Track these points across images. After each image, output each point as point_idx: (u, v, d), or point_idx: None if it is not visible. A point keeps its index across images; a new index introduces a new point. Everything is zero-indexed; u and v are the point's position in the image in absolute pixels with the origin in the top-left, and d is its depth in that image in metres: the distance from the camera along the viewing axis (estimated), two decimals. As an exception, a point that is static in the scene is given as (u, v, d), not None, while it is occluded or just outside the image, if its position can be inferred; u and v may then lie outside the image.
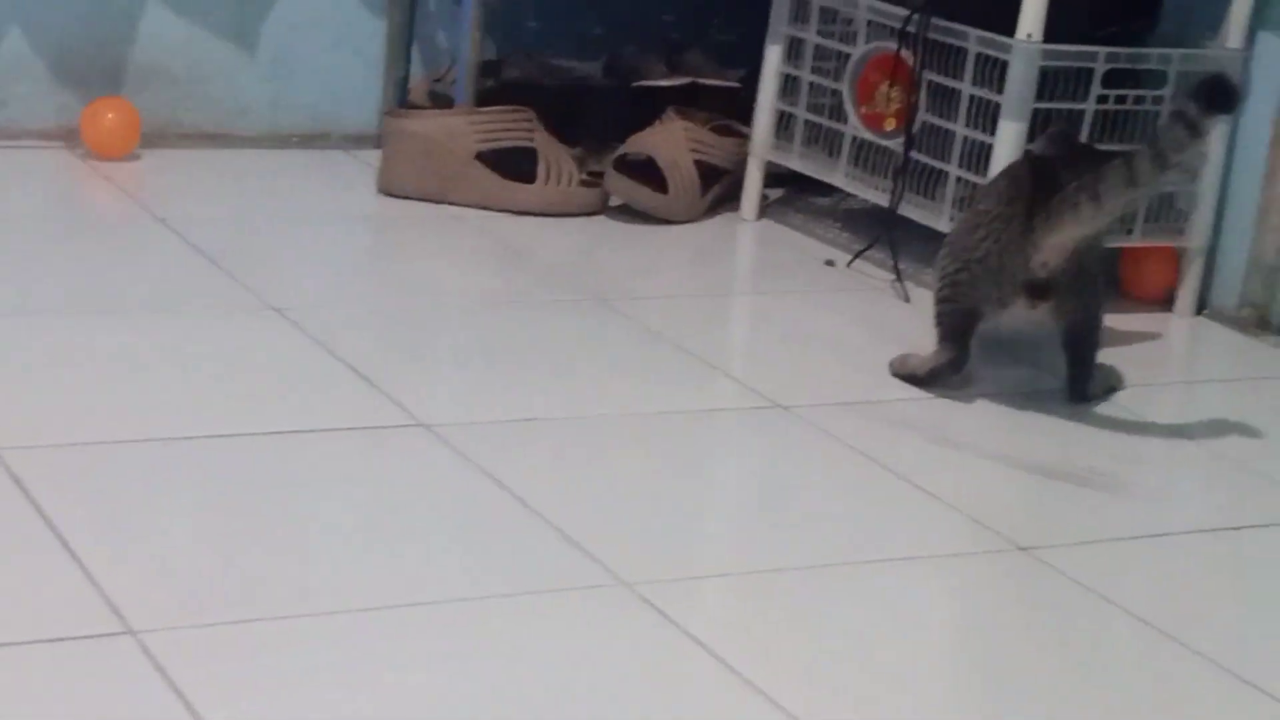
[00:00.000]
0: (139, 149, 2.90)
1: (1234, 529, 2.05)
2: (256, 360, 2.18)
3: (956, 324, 2.34)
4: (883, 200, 2.73)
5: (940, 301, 2.35)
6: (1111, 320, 2.52)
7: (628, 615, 1.68)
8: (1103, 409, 2.33)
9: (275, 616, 1.60)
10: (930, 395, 2.31)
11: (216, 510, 1.79)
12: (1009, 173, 2.39)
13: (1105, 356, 2.43)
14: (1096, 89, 2.60)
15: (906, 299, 2.64)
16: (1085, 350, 2.34)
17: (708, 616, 1.71)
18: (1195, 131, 2.11)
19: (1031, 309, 2.29)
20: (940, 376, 2.33)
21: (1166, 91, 2.66)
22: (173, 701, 1.45)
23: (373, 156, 2.97)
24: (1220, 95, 2.10)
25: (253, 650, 1.55)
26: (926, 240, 2.75)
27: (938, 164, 2.66)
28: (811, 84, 2.88)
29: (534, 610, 1.67)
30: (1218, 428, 2.33)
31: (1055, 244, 2.23)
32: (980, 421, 2.32)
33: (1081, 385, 2.35)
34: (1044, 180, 2.29)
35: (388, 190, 2.87)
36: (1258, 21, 2.69)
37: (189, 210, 2.68)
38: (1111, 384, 2.41)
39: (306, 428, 2.00)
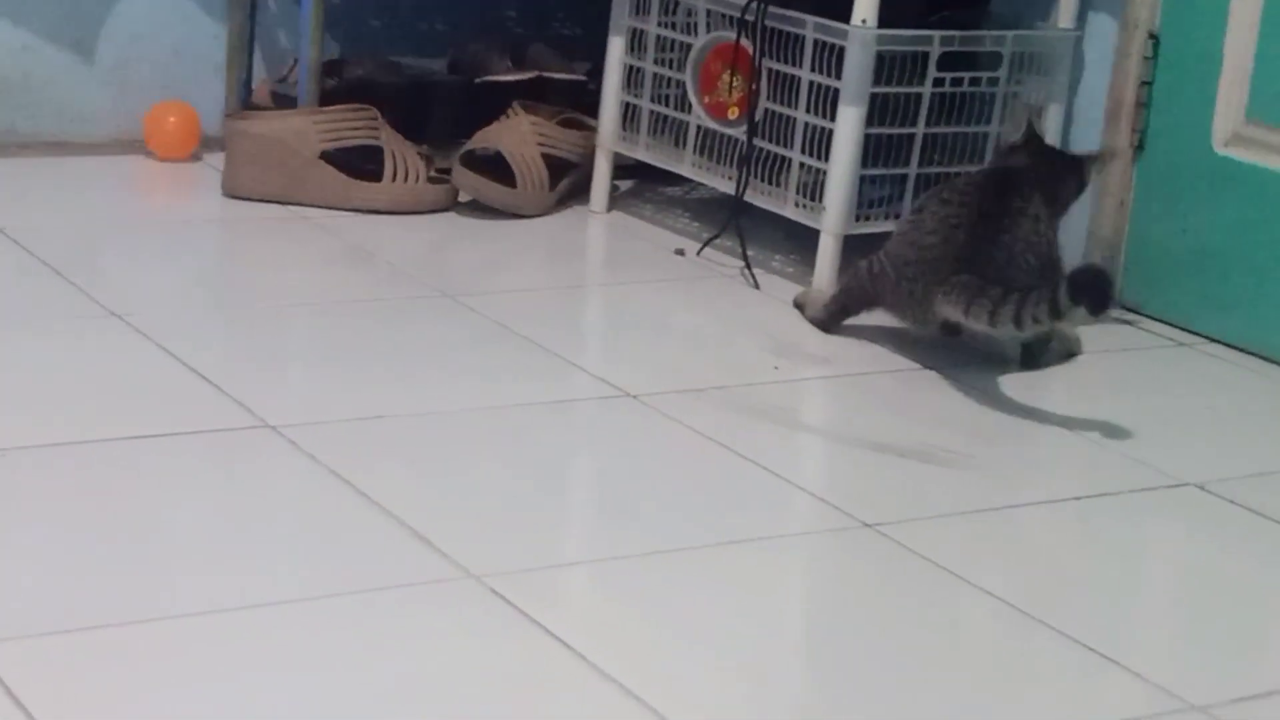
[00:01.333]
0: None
1: (1077, 499, 2.09)
2: (99, 367, 2.15)
3: (846, 297, 2.49)
4: (729, 189, 2.75)
5: (855, 272, 2.48)
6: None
7: (479, 608, 1.68)
8: (950, 389, 2.37)
9: (120, 623, 1.58)
10: (779, 379, 2.34)
11: (60, 518, 1.77)
12: (970, 183, 2.45)
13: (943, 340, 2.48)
14: (933, 72, 2.63)
15: (756, 285, 2.67)
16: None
17: (559, 607, 1.72)
18: (1056, 315, 2.22)
19: (948, 336, 2.40)
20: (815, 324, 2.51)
21: (1001, 73, 2.71)
22: (15, 714, 1.43)
23: (218, 160, 2.94)
24: (1093, 293, 2.18)
25: (97, 659, 1.53)
26: (774, 227, 2.78)
27: (782, 151, 2.69)
28: (655, 75, 2.89)
29: (384, 607, 1.67)
30: (1062, 401, 2.37)
31: (947, 315, 2.32)
32: (831, 402, 2.35)
33: (1032, 358, 2.43)
34: (998, 201, 2.38)
35: (232, 193, 2.84)
36: (1088, 3, 2.75)
37: (29, 219, 2.64)
38: (1071, 349, 2.50)
39: (151, 433, 1.98)
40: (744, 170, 2.72)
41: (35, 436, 1.93)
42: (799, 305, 2.57)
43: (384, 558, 1.76)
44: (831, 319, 2.50)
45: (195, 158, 3.01)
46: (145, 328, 2.26)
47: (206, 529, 1.79)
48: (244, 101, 3.08)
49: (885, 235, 2.67)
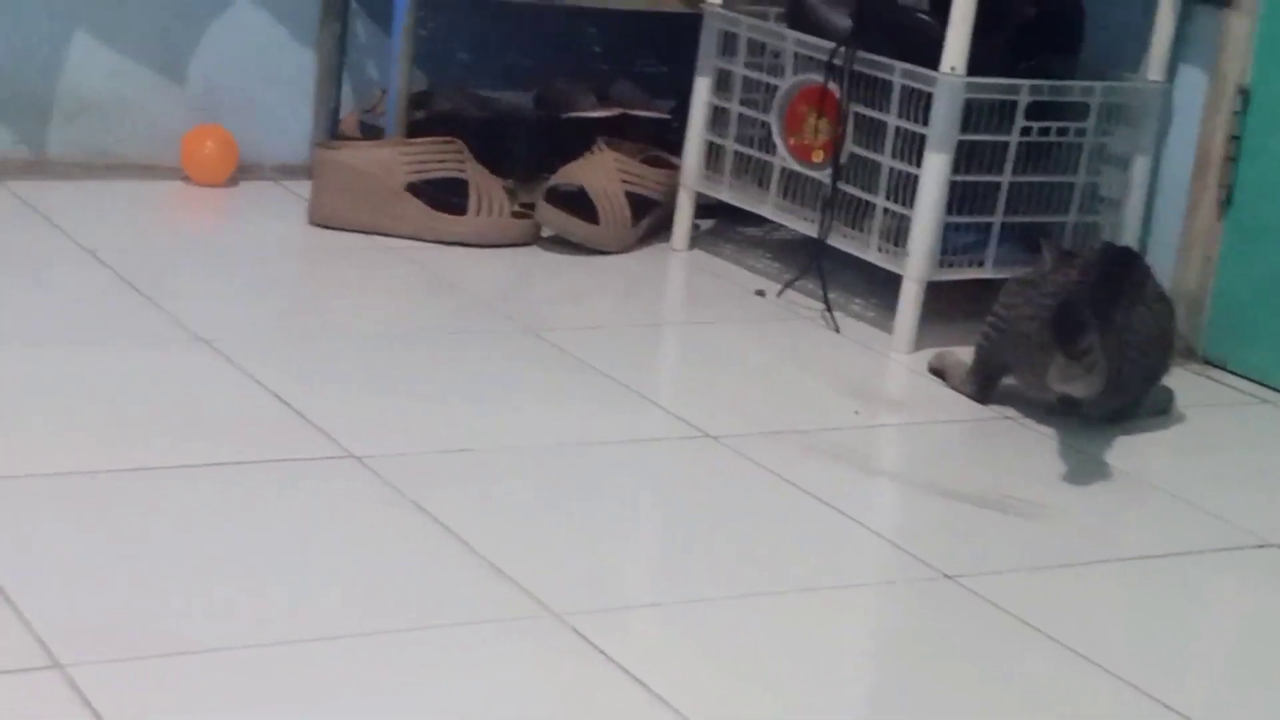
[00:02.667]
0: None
1: (1157, 556, 2.07)
2: (185, 393, 2.17)
3: (983, 364, 2.43)
4: (812, 231, 2.76)
5: (980, 337, 2.43)
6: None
7: (557, 646, 1.69)
8: (1032, 439, 2.35)
9: (203, 650, 1.60)
10: (859, 424, 2.33)
11: (144, 543, 1.79)
12: (1089, 258, 2.42)
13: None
14: (1020, 121, 2.63)
15: (836, 329, 2.66)
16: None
17: (637, 647, 1.72)
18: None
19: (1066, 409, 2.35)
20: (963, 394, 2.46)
21: (1089, 124, 2.70)
22: (100, 736, 1.45)
23: (303, 188, 2.97)
24: (1063, 329, 2.18)
25: (179, 684, 1.54)
26: (855, 270, 2.78)
27: (866, 195, 2.69)
28: (740, 115, 2.90)
29: (463, 642, 1.67)
30: (1145, 455, 2.36)
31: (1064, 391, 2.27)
32: (910, 449, 2.34)
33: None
34: (1108, 286, 2.34)
35: (318, 221, 2.87)
36: (1178, 55, 2.74)
37: (119, 242, 2.67)
38: (1160, 407, 2.47)
39: (236, 460, 1.99)
40: (827, 213, 2.72)
41: (123, 460, 1.95)
42: (937, 371, 2.50)
43: (465, 592, 1.76)
44: (982, 391, 2.43)
45: (232, 183, 3.01)
46: (232, 353, 2.28)
47: (288, 558, 1.80)
48: (332, 131, 3.11)
49: (967, 283, 2.67)
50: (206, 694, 1.54)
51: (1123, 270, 2.39)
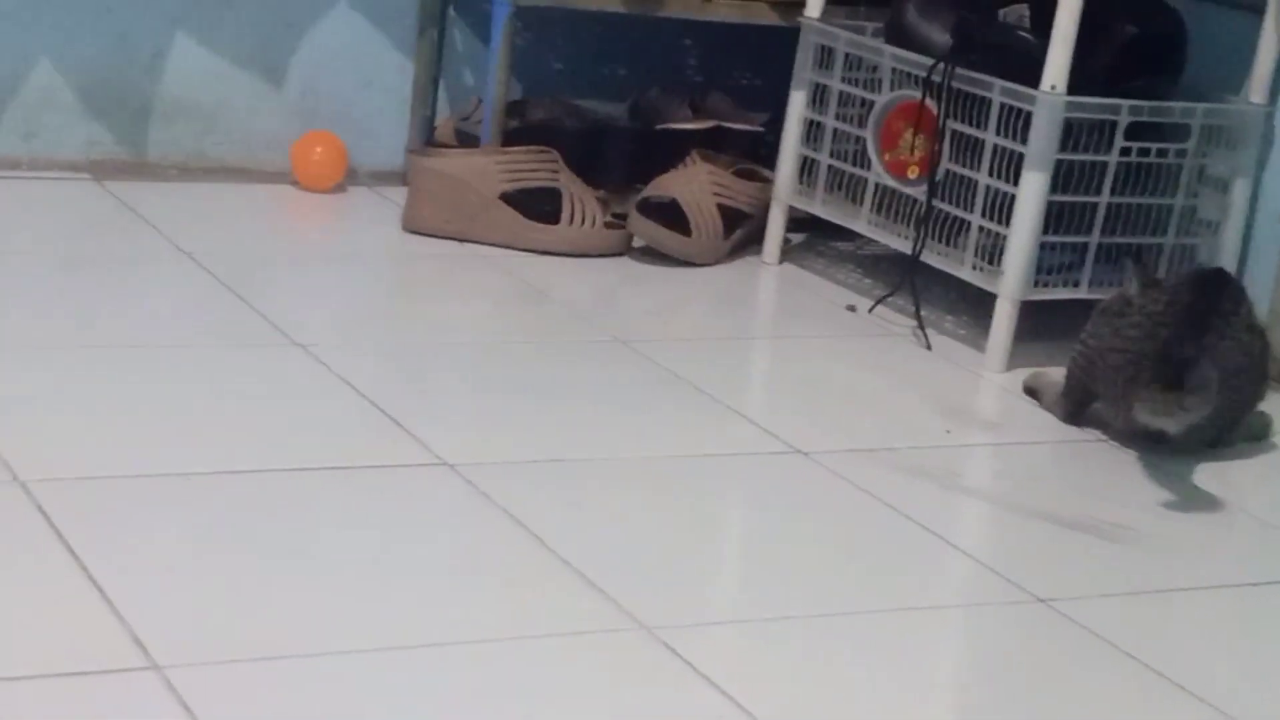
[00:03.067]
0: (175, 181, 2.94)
1: (1253, 585, 2.05)
2: (281, 397, 2.19)
3: (1073, 389, 2.41)
4: (905, 247, 2.74)
5: (1070, 361, 2.41)
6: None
7: (646, 659, 1.69)
8: (1126, 462, 2.33)
9: (298, 654, 1.61)
10: (950, 443, 2.32)
11: (241, 546, 1.80)
12: (1177, 283, 2.38)
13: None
14: (1120, 141, 2.61)
15: (928, 346, 2.65)
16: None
17: (726, 662, 1.71)
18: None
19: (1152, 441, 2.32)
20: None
21: (1189, 145, 2.68)
22: (195, 737, 1.46)
23: (398, 194, 2.98)
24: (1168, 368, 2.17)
25: (275, 687, 1.56)
26: (948, 287, 2.77)
27: (961, 213, 2.67)
28: (835, 130, 2.89)
29: (554, 653, 1.68)
30: (1242, 483, 2.33)
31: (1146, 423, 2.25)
32: (1001, 470, 2.32)
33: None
34: (1209, 300, 2.32)
35: (412, 228, 2.88)
36: (1282, 78, 2.71)
37: (214, 245, 2.69)
38: (1255, 433, 2.45)
39: (331, 465, 2.01)
40: (922, 230, 2.71)
41: (217, 463, 1.97)
42: (1031, 391, 2.49)
43: (555, 603, 1.77)
44: (1072, 415, 2.41)
45: (340, 189, 3.04)
46: (327, 359, 2.29)
47: (380, 564, 1.81)
48: (428, 138, 3.12)
49: (1063, 302, 2.65)
50: (301, 698, 1.55)
51: (1212, 299, 2.35)
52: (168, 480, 1.92)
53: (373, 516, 1.92)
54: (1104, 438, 2.39)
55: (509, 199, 2.86)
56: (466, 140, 3.04)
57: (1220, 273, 2.48)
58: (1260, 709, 1.74)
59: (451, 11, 3.15)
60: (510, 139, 2.98)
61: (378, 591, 1.75)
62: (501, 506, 1.94)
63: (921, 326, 2.68)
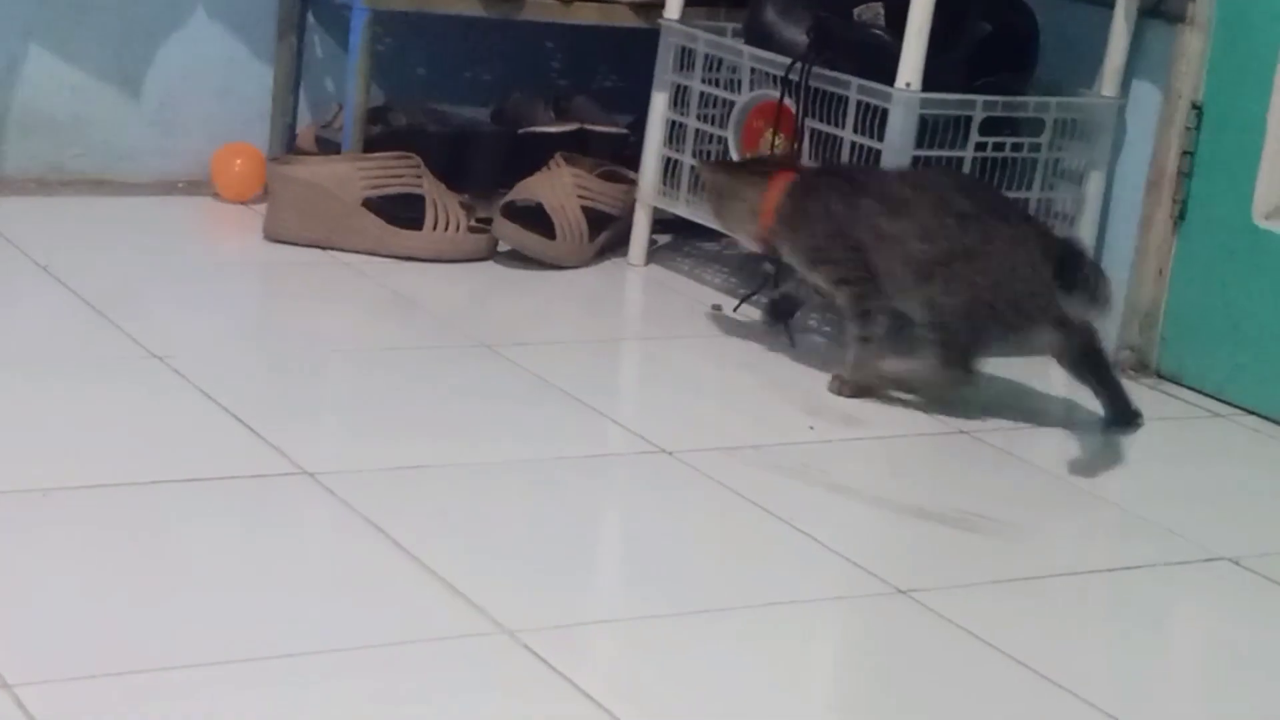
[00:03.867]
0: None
1: (1110, 570, 2.09)
2: (139, 410, 2.17)
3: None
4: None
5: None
6: (992, 363, 2.56)
7: (511, 664, 1.68)
8: (985, 454, 2.36)
9: (154, 669, 1.59)
10: (814, 439, 2.34)
11: (96, 561, 1.78)
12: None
13: (989, 399, 2.48)
14: (975, 137, 2.64)
15: (792, 344, 2.67)
16: (1104, 363, 2.43)
17: (591, 664, 1.72)
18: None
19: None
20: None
21: (1044, 139, 2.71)
22: (48, 757, 1.44)
23: (260, 203, 2.96)
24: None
25: (130, 703, 1.53)
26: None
27: (821, 210, 2.69)
28: (698, 131, 2.91)
29: (418, 660, 1.67)
30: (1098, 469, 2.37)
31: None
32: (863, 465, 2.34)
33: (1123, 403, 2.42)
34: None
35: (274, 237, 2.86)
36: (1131, 71, 2.75)
37: (74, 258, 2.66)
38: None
39: (188, 477, 1.99)
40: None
41: (75, 478, 1.94)
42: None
43: (417, 610, 1.76)
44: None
45: (257, 201, 3.02)
46: (186, 370, 2.27)
47: (239, 575, 1.79)
48: (288, 146, 3.10)
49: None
50: (156, 713, 1.53)
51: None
52: (21, 497, 1.89)
53: (231, 527, 1.90)
54: (967, 430, 2.42)
55: (371, 205, 2.84)
56: (328, 148, 3.02)
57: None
58: (1121, 696, 1.76)
59: (310, 18, 3.14)
60: (372, 145, 2.96)
61: (235, 602, 1.73)
62: (362, 514, 1.93)
63: (787, 326, 2.69)
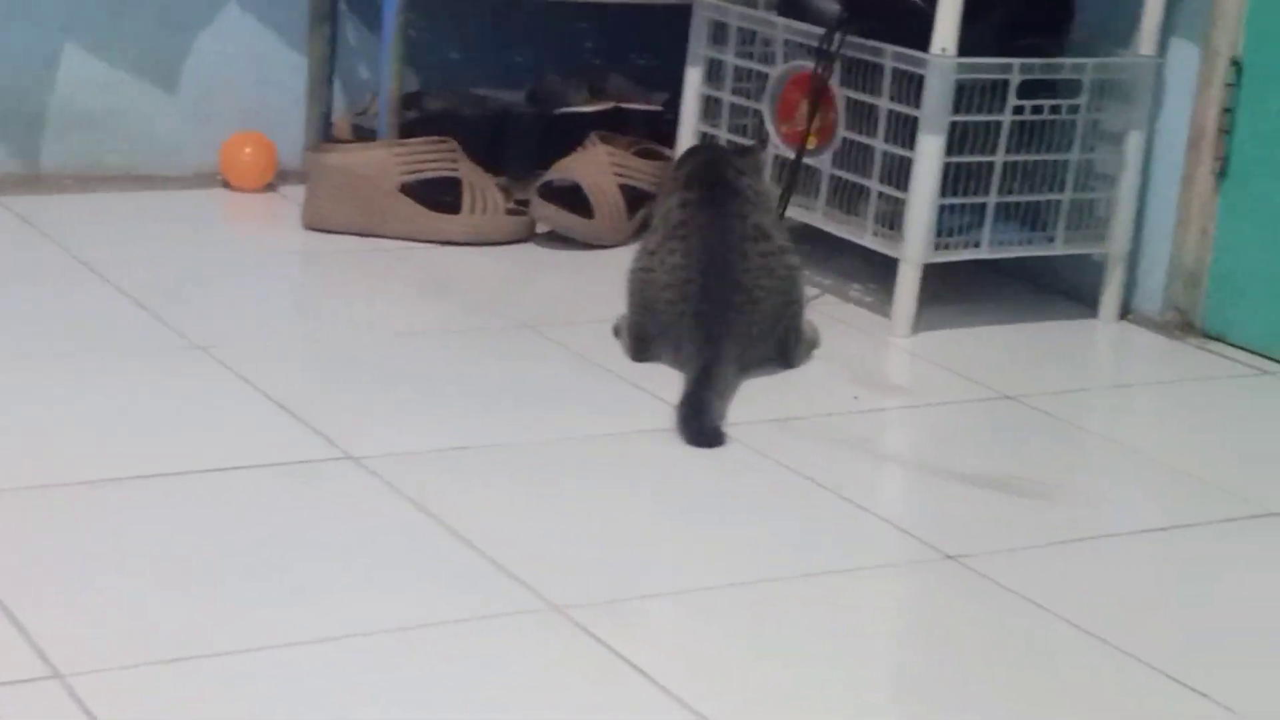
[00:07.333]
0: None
1: (1162, 530, 2.07)
2: (183, 400, 2.17)
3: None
4: (808, 218, 2.75)
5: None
6: (1036, 328, 2.54)
7: (560, 639, 1.68)
8: (1032, 419, 2.35)
9: (206, 654, 1.59)
10: (859, 409, 2.32)
11: (145, 551, 1.78)
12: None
13: (1034, 364, 2.47)
14: (1013, 100, 2.62)
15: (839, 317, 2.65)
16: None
17: (641, 638, 1.71)
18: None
19: None
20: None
21: (1082, 100, 2.69)
22: (102, 744, 1.45)
23: (297, 192, 2.96)
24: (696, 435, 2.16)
25: (183, 690, 1.54)
26: (852, 256, 2.77)
27: (860, 179, 2.68)
28: (732, 105, 2.89)
29: (468, 638, 1.67)
30: (1146, 430, 2.35)
31: None
32: (909, 434, 2.33)
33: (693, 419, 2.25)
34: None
35: (313, 225, 2.86)
36: (1169, 29, 2.72)
37: (114, 253, 2.66)
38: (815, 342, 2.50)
39: (234, 465, 1.99)
40: (789, 189, 2.70)
41: (122, 469, 1.95)
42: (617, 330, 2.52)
43: (467, 588, 1.76)
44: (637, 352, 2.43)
45: (271, 188, 3.03)
46: (228, 360, 2.27)
47: (287, 560, 1.80)
48: (324, 134, 3.10)
49: (965, 264, 2.66)
50: (208, 699, 1.53)
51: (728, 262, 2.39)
52: (69, 490, 1.89)
53: (277, 514, 1.90)
54: (1012, 395, 2.41)
55: (408, 190, 2.85)
56: (364, 135, 3.02)
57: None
58: (1175, 655, 1.75)
59: (342, 6, 3.14)
60: (408, 131, 2.96)
61: (285, 587, 1.74)
62: (408, 497, 1.93)
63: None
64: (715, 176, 2.44)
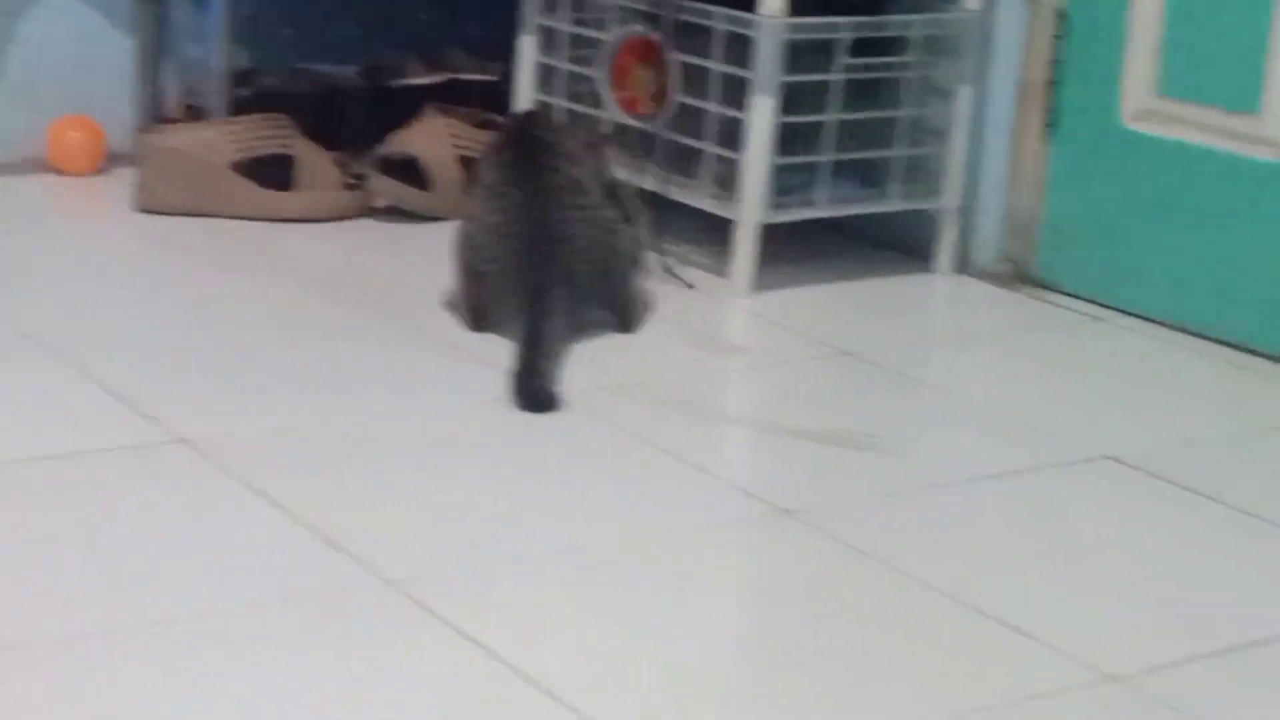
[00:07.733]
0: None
1: (997, 476, 2.09)
2: (10, 389, 2.13)
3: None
4: (642, 181, 2.75)
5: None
6: (874, 284, 2.56)
7: (395, 614, 1.67)
8: (870, 373, 2.37)
9: (37, 642, 1.57)
10: (699, 370, 2.33)
11: (-32, 542, 1.75)
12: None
13: (872, 319, 2.48)
14: (843, 59, 2.64)
15: (686, 284, 2.65)
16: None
17: (477, 608, 1.70)
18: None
19: None
20: None
21: (911, 57, 2.71)
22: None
23: (129, 175, 2.91)
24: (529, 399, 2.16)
25: (14, 679, 1.51)
26: (689, 219, 2.78)
27: (695, 143, 2.68)
28: (569, 72, 2.89)
29: (303, 617, 1.65)
30: (982, 380, 2.38)
31: None
32: (749, 392, 2.34)
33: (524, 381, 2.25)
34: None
35: (145, 207, 2.82)
36: (996, -18, 2.75)
37: (-61, 242, 2.61)
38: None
39: (64, 451, 1.96)
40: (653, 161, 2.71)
41: (-57, 460, 1.91)
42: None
43: (300, 568, 1.74)
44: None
45: (101, 172, 2.98)
46: (56, 346, 2.23)
47: (120, 544, 1.77)
48: (155, 115, 3.06)
49: (800, 224, 2.68)
50: (40, 685, 1.51)
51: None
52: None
53: (108, 499, 1.87)
54: (851, 351, 2.42)
55: (241, 168, 2.81)
56: (198, 115, 2.98)
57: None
58: (1011, 599, 1.77)
59: (169, -16, 3.09)
60: (241, 109, 2.92)
61: (118, 571, 1.71)
62: (239, 478, 1.91)
63: (670, 269, 2.67)
64: (528, 135, 2.44)
